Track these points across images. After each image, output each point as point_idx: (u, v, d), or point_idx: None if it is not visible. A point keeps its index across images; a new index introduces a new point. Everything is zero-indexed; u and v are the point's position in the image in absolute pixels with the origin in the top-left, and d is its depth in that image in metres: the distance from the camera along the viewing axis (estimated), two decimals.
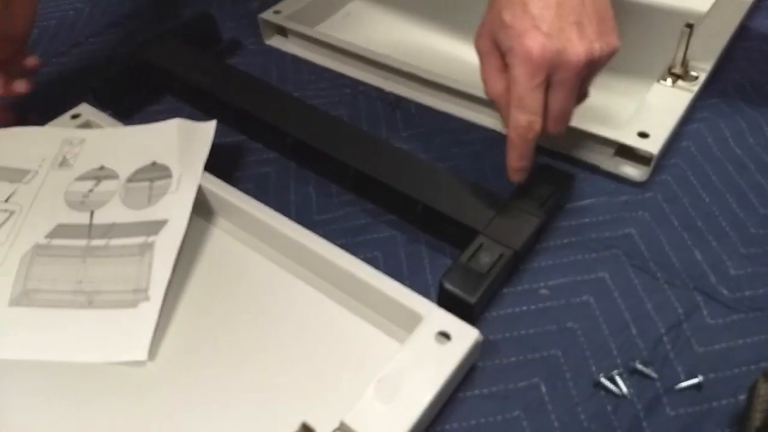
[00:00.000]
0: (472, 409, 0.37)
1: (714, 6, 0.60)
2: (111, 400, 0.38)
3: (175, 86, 0.59)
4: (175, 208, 0.45)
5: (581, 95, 0.42)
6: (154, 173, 0.48)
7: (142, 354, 0.39)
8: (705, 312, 0.40)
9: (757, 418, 0.33)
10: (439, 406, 0.36)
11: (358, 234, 0.46)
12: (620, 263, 0.43)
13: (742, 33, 0.60)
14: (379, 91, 0.58)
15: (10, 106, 0.55)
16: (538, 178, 0.45)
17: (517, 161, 0.42)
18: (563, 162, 0.50)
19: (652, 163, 0.47)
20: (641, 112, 0.49)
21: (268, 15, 0.64)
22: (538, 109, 0.39)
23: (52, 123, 0.52)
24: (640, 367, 0.38)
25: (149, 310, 0.41)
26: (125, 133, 0.51)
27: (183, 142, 0.49)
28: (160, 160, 0.48)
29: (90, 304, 0.41)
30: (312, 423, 0.35)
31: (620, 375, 0.37)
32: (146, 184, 0.47)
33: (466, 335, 0.36)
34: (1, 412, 0.37)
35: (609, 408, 0.36)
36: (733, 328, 0.39)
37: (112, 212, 0.46)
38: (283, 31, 0.65)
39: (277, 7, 0.65)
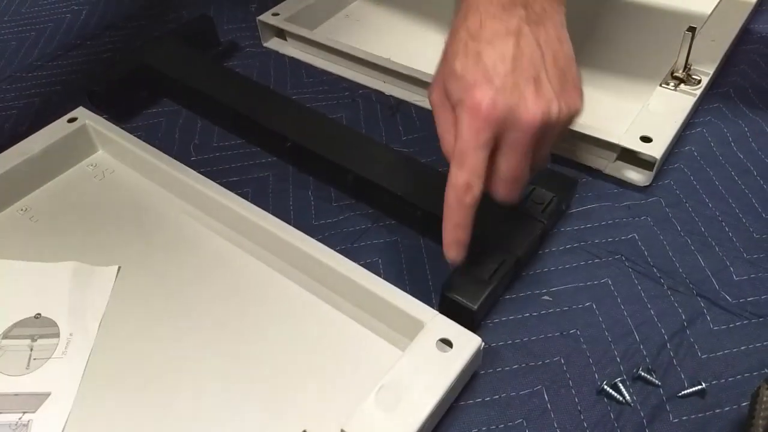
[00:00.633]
0: (474, 417, 0.36)
1: (716, 9, 0.60)
2: (112, 409, 0.37)
3: (173, 89, 0.59)
4: (60, 379, 0.38)
5: (538, 160, 0.36)
6: (38, 330, 0.40)
7: None
8: (708, 318, 0.40)
9: (760, 425, 0.33)
10: (441, 414, 0.36)
11: (357, 239, 0.46)
12: (623, 269, 0.43)
13: (744, 36, 0.60)
14: (378, 94, 0.58)
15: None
16: (541, 183, 0.44)
17: (451, 231, 0.36)
18: (565, 166, 0.50)
19: (655, 168, 0.46)
20: (644, 116, 0.49)
21: (266, 17, 0.64)
22: (479, 170, 0.34)
23: (48, 127, 0.52)
24: (643, 374, 0.37)
25: None
26: (6, 270, 0.44)
27: (77, 290, 0.42)
28: (46, 313, 0.41)
29: None
30: (312, 431, 0.35)
31: (623, 382, 0.37)
32: (26, 343, 0.40)
33: (467, 342, 0.36)
34: None
35: (612, 415, 0.36)
36: (736, 335, 0.39)
37: None
38: (281, 34, 0.65)
39: (275, 10, 0.64)
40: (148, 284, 0.44)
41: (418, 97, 0.57)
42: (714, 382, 0.37)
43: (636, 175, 0.48)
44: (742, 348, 0.38)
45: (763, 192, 0.47)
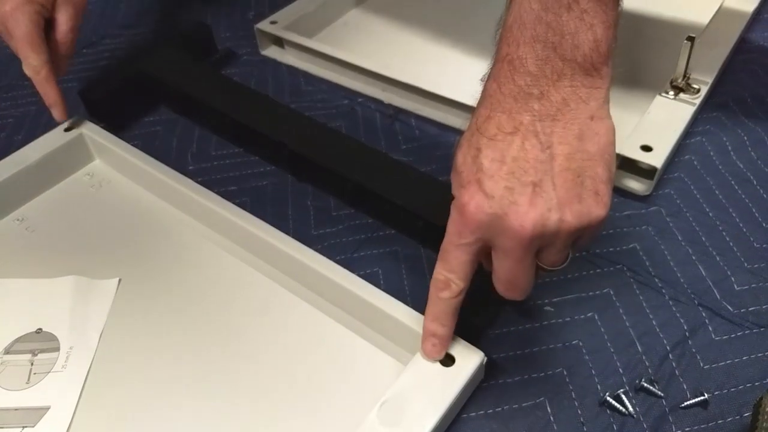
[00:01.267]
0: (476, 430, 0.36)
1: (714, 19, 0.60)
2: (112, 422, 0.37)
3: (171, 98, 0.58)
4: (59, 392, 0.38)
5: (547, 265, 0.33)
6: (39, 344, 0.41)
7: None
8: (710, 328, 0.40)
9: None
10: (444, 429, 0.35)
11: (357, 249, 0.46)
12: (625, 279, 0.43)
13: (742, 45, 0.60)
14: (377, 102, 0.58)
15: None
16: None
17: (430, 322, 0.35)
18: None
19: (656, 177, 0.46)
20: (644, 125, 0.49)
21: (264, 25, 0.63)
22: (458, 270, 0.33)
23: (45, 136, 0.52)
24: (646, 384, 0.37)
25: None
26: (8, 288, 0.44)
27: (77, 305, 0.42)
28: (47, 328, 0.41)
29: None
30: None
31: (626, 393, 0.37)
32: (27, 357, 0.40)
33: (470, 357, 0.36)
34: None
35: (615, 427, 0.36)
36: (738, 345, 0.39)
37: None
38: (279, 42, 0.65)
39: (273, 17, 0.64)
40: (147, 296, 0.43)
41: (417, 106, 0.57)
42: (716, 392, 0.37)
43: (636, 185, 0.48)
44: (744, 358, 0.38)
45: (763, 201, 0.47)
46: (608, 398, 0.37)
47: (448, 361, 0.35)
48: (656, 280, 0.42)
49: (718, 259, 0.43)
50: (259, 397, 0.38)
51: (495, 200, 0.30)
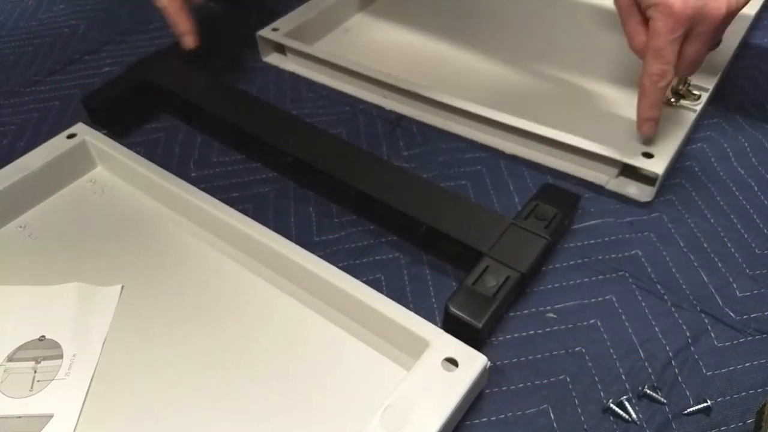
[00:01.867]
0: None
1: None
2: (115, 430, 0.37)
3: (173, 104, 0.58)
4: (62, 400, 0.38)
5: (714, 44, 0.44)
6: (42, 351, 0.41)
7: None
8: (713, 335, 0.40)
9: None
10: None
11: (360, 255, 0.46)
12: (627, 285, 0.43)
13: (742, 51, 0.60)
14: (379, 109, 0.58)
15: None
16: (544, 199, 0.44)
17: (647, 110, 0.45)
18: (567, 182, 0.50)
19: (657, 183, 0.46)
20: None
21: (266, 32, 0.64)
22: (672, 60, 0.43)
23: (47, 143, 0.52)
24: (649, 391, 0.37)
25: None
26: (11, 296, 0.44)
27: (80, 312, 0.42)
28: (50, 335, 0.41)
29: None
30: None
31: (629, 400, 0.37)
32: (30, 365, 0.40)
33: (473, 362, 0.35)
34: None
35: None
36: (741, 351, 0.39)
37: None
38: (281, 49, 0.65)
39: (275, 24, 0.64)
40: (151, 303, 0.43)
41: (418, 112, 0.57)
42: (719, 399, 0.37)
43: (638, 191, 0.48)
44: (747, 364, 0.38)
45: (764, 207, 0.47)
46: (611, 405, 0.37)
47: (451, 365, 0.35)
48: (658, 286, 0.42)
49: (720, 265, 0.43)
50: (262, 402, 0.38)
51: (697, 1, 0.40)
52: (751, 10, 0.62)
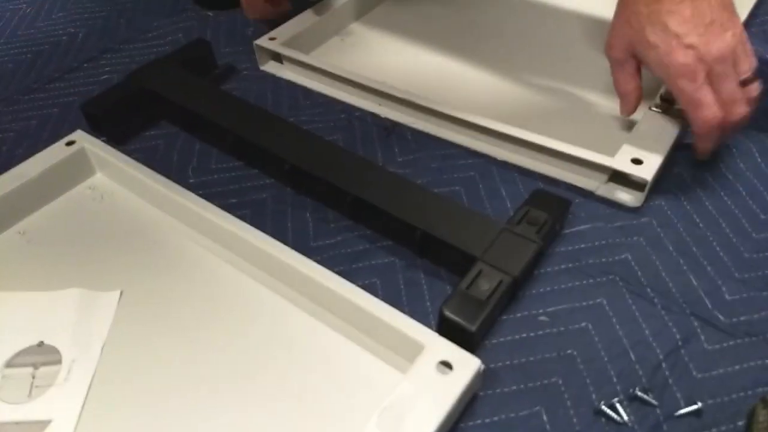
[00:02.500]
0: None
1: None
2: None
3: (171, 112, 0.59)
4: (61, 406, 0.38)
5: (742, 73, 0.45)
6: (40, 357, 0.41)
7: None
8: (702, 338, 0.40)
9: None
10: None
11: (356, 260, 0.46)
12: (617, 289, 0.43)
13: None
14: (374, 116, 0.59)
15: None
16: (535, 204, 0.45)
17: (709, 147, 0.48)
18: (558, 188, 0.50)
19: (646, 189, 0.47)
20: (634, 139, 0.50)
21: (263, 41, 0.64)
22: (712, 100, 0.45)
23: (46, 150, 0.52)
24: (640, 393, 0.38)
25: None
26: (10, 302, 0.44)
27: (79, 318, 0.42)
28: (49, 340, 0.41)
29: None
30: None
31: (620, 402, 0.37)
32: (29, 371, 0.40)
33: (467, 364, 0.36)
34: None
35: None
36: (730, 354, 0.39)
37: None
38: (278, 57, 0.66)
39: (272, 34, 0.65)
40: (150, 309, 0.44)
41: (412, 119, 0.57)
42: (710, 401, 0.37)
43: (627, 197, 0.49)
44: (736, 367, 0.39)
45: (753, 212, 0.48)
46: (603, 407, 0.37)
47: (445, 368, 0.36)
48: (648, 290, 0.43)
49: (709, 269, 0.44)
50: (259, 407, 0.38)
51: (700, 46, 0.44)
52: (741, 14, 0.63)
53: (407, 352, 0.38)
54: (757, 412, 0.35)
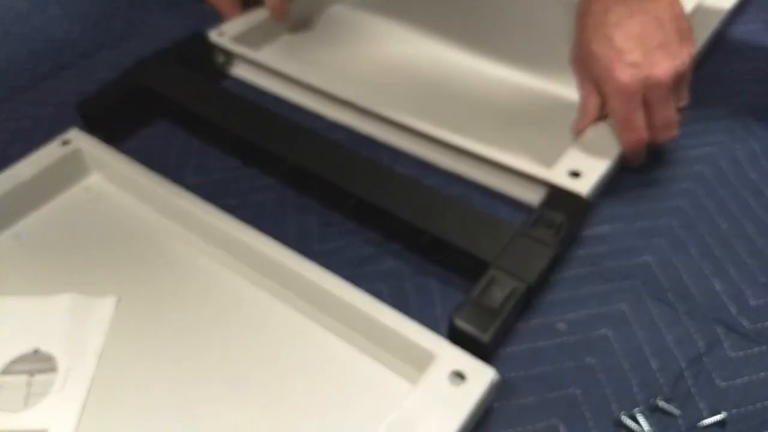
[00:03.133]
0: None
1: None
2: None
3: (169, 110, 0.57)
4: (57, 415, 0.37)
5: (680, 100, 0.45)
6: (35, 365, 0.40)
7: None
8: (726, 345, 0.39)
9: None
10: None
11: (361, 265, 0.45)
12: (638, 294, 0.42)
13: (750, 54, 0.60)
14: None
15: None
16: (551, 205, 0.43)
17: (636, 161, 0.48)
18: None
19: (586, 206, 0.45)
20: (577, 149, 0.47)
21: (213, 36, 0.62)
22: (642, 124, 0.44)
23: (41, 149, 0.50)
24: (661, 404, 0.36)
25: None
26: (3, 307, 0.43)
27: (75, 324, 0.41)
28: (43, 347, 0.40)
29: None
30: None
31: (642, 413, 0.36)
32: (24, 378, 0.39)
33: (481, 375, 0.34)
34: None
35: None
36: (755, 361, 0.38)
37: None
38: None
39: (222, 27, 0.62)
40: (147, 314, 0.42)
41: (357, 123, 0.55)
42: (734, 410, 0.36)
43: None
44: (761, 375, 0.38)
45: None
46: (624, 418, 0.36)
47: (458, 378, 0.34)
48: (669, 295, 0.41)
49: (732, 272, 0.43)
50: (262, 417, 0.37)
51: (641, 67, 0.42)
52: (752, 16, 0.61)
53: (417, 362, 0.36)
54: None
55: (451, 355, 0.35)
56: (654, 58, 0.42)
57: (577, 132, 0.49)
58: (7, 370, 0.39)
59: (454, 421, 0.33)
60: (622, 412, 0.36)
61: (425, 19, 0.66)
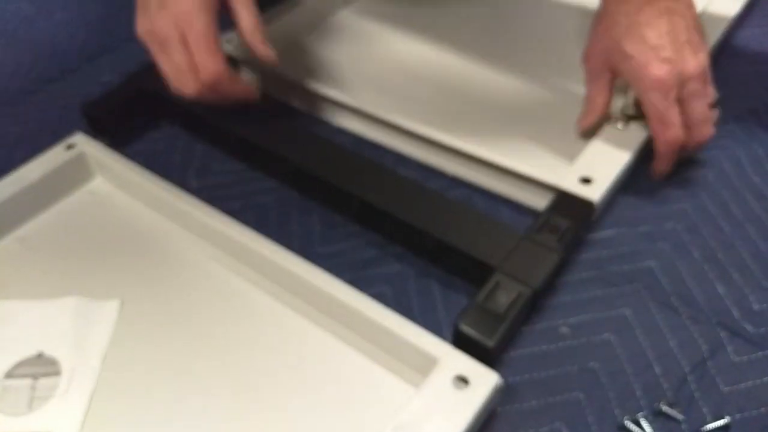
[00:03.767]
0: None
1: None
2: None
3: (174, 113, 0.57)
4: (61, 418, 0.37)
5: (709, 95, 0.46)
6: (39, 368, 0.40)
7: None
8: (729, 349, 0.39)
9: None
10: None
11: (365, 268, 0.45)
12: (642, 298, 0.41)
13: (754, 57, 0.60)
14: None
15: None
16: (557, 210, 0.43)
17: (665, 167, 0.47)
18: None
19: (596, 214, 0.45)
20: (587, 155, 0.47)
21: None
22: (678, 121, 0.45)
23: (46, 153, 0.51)
24: (665, 408, 0.36)
25: None
26: (8, 310, 0.43)
27: (78, 327, 0.41)
28: (48, 351, 0.40)
29: None
30: None
31: (645, 417, 0.36)
32: (28, 382, 0.39)
33: (485, 379, 0.34)
34: None
35: None
36: (758, 366, 0.38)
37: None
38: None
39: (229, 36, 0.61)
40: (151, 318, 0.42)
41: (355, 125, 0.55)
42: (737, 415, 0.36)
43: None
44: (765, 379, 0.37)
45: None
46: (627, 423, 0.36)
47: (462, 383, 0.34)
48: (673, 299, 0.41)
49: (735, 276, 0.42)
50: (264, 422, 0.36)
51: (675, 62, 0.44)
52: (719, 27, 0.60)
53: (420, 366, 0.36)
54: None
55: (455, 360, 0.35)
56: (685, 54, 0.44)
57: (583, 127, 0.49)
58: (12, 374, 0.40)
59: (457, 426, 0.33)
60: (626, 417, 0.36)
61: (429, 24, 0.66)
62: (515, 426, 0.36)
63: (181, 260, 0.46)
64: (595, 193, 0.44)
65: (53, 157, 0.50)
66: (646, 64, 0.44)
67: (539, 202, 0.46)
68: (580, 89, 0.51)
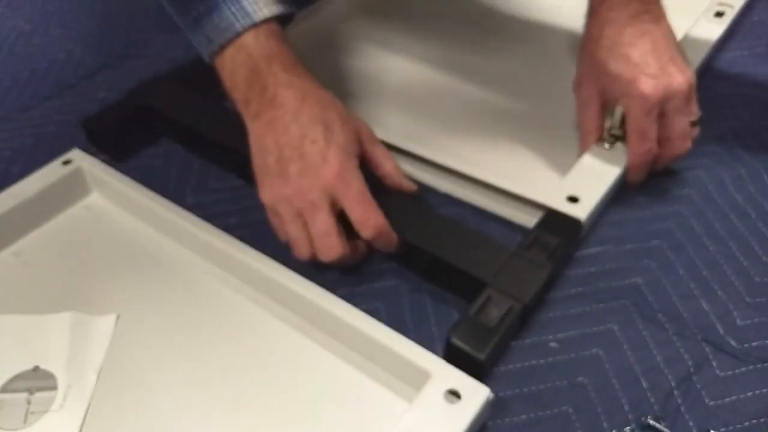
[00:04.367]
0: None
1: None
2: None
3: (172, 129, 0.58)
4: None
5: (692, 113, 0.48)
6: (36, 382, 0.40)
7: None
8: (714, 364, 0.40)
9: None
10: None
11: (358, 283, 0.45)
12: (629, 314, 0.42)
13: (738, 79, 0.61)
14: None
15: None
16: (545, 227, 0.44)
17: (639, 178, 0.49)
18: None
19: (582, 230, 0.45)
20: (574, 174, 0.48)
21: None
22: (655, 137, 0.47)
23: (43, 169, 0.51)
24: (652, 422, 0.37)
25: None
26: (4, 325, 0.43)
27: (75, 342, 0.42)
28: (44, 365, 0.40)
29: None
30: None
31: (633, 431, 0.36)
32: (24, 396, 0.39)
33: (476, 393, 0.35)
34: None
35: None
36: (743, 381, 0.39)
37: None
38: None
39: None
40: (147, 333, 0.43)
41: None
42: (723, 429, 0.37)
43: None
44: (749, 394, 0.38)
45: (763, 235, 0.47)
46: None
47: (453, 397, 0.35)
48: (659, 315, 0.42)
49: (720, 293, 0.43)
50: None
51: (660, 78, 0.45)
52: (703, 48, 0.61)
53: (413, 380, 0.37)
54: None
55: (447, 374, 0.36)
56: (670, 71, 0.45)
57: (581, 155, 0.50)
58: (7, 388, 0.40)
59: None
60: (614, 430, 0.36)
61: (420, 43, 0.67)
62: None
63: (177, 276, 0.46)
64: (582, 211, 0.45)
65: (50, 173, 0.51)
66: (634, 80, 0.45)
67: (529, 219, 0.47)
68: (569, 109, 0.53)
